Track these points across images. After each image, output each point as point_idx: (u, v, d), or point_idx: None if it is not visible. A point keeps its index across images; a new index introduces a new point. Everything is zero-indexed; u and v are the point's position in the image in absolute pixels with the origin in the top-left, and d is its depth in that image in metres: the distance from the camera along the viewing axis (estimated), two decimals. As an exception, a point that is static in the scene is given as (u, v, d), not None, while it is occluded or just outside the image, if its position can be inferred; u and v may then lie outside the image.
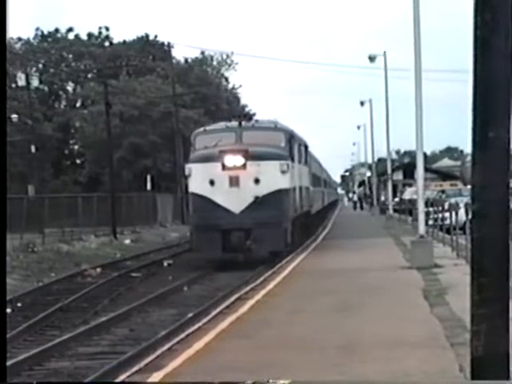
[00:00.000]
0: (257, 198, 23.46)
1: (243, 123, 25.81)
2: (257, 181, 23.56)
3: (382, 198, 65.41)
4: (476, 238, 3.55)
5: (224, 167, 23.53)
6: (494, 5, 3.54)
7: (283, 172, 24.01)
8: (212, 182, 23.64)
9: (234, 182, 23.56)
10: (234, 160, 23.55)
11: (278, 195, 23.70)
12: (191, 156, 25.32)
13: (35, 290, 20.25)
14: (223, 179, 23.58)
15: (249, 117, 35.09)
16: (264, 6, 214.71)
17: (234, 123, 25.91)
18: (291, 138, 26.25)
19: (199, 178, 23.96)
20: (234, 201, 23.47)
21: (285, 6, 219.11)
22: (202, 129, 26.90)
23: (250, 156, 23.53)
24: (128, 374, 9.12)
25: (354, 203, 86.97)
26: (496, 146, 3.45)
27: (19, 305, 17.52)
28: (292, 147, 26.04)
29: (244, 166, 23.54)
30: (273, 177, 23.72)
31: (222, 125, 27.03)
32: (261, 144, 24.44)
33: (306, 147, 32.05)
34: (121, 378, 8.95)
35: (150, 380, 8.50)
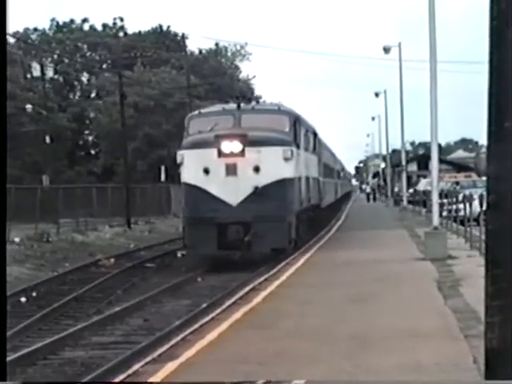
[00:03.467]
0: (256, 188, 21.02)
1: (242, 105, 22.95)
2: (257, 169, 21.10)
3: (396, 190, 65.31)
4: (491, 230, 3.53)
5: (220, 154, 21.11)
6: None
7: (286, 159, 21.42)
8: (206, 171, 21.26)
9: (231, 170, 21.14)
10: (231, 146, 21.10)
11: (281, 185, 21.25)
12: (184, 141, 22.54)
13: (49, 279, 20.31)
14: (219, 167, 21.17)
15: (249, 98, 30.35)
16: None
17: (233, 105, 23.37)
18: (296, 121, 23.30)
19: (192, 166, 21.53)
20: (231, 191, 21.07)
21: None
22: (196, 111, 24.44)
23: (249, 141, 21.03)
24: (142, 363, 9.15)
25: (368, 194, 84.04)
26: None
27: (34, 294, 17.60)
28: (297, 132, 23.20)
29: (242, 153, 21.06)
30: (275, 165, 21.19)
31: (218, 107, 24.69)
32: (262, 128, 21.82)
33: (315, 134, 29.19)
34: (134, 368, 8.97)
35: (160, 372, 8.53)
